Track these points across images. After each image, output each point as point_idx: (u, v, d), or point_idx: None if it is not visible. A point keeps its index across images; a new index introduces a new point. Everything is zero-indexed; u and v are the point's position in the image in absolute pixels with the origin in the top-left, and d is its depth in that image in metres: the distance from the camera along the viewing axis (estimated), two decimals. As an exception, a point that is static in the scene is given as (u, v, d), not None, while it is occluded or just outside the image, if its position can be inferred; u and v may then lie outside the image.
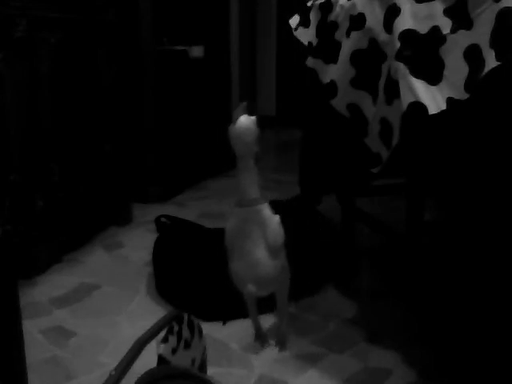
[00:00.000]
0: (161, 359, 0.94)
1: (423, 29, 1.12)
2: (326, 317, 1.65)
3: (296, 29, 1.69)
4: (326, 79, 1.51)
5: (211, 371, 1.17)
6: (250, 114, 1.32)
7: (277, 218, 1.33)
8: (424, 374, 1.36)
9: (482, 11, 1.01)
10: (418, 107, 1.09)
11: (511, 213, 1.14)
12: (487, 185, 1.17)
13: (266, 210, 1.32)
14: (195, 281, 1.72)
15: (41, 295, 1.78)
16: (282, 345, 1.49)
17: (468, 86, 1.03)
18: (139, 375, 0.89)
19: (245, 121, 1.31)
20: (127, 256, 2.10)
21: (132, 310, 1.70)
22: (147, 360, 0.93)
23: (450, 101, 1.06)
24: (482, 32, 1.01)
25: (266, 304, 1.67)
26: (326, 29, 1.51)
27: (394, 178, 1.83)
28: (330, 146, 1.74)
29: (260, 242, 1.30)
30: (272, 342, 1.51)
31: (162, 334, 0.97)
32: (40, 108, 1.91)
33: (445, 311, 1.57)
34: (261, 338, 1.51)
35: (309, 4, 1.64)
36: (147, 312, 1.67)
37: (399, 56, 1.15)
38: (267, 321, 1.61)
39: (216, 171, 3.23)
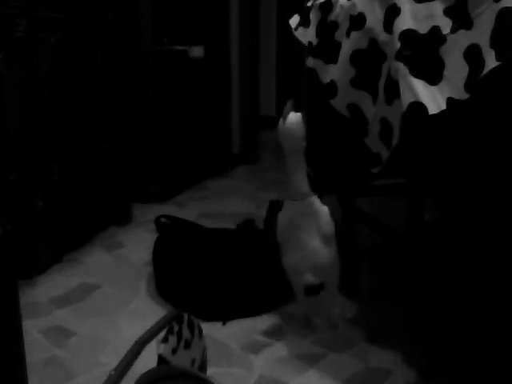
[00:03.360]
0: (161, 359, 0.94)
1: (423, 29, 1.12)
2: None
3: (296, 29, 1.69)
4: (326, 79, 1.51)
5: (211, 371, 1.17)
6: (297, 110, 1.38)
7: (326, 209, 1.41)
8: (424, 374, 1.36)
9: (482, 11, 1.01)
10: (418, 107, 1.09)
11: (511, 213, 1.14)
12: (487, 185, 1.17)
13: (317, 202, 1.40)
14: (195, 281, 1.72)
15: (41, 295, 1.78)
16: (334, 326, 1.54)
17: (468, 86, 1.03)
18: (139, 375, 0.89)
19: (294, 117, 1.40)
20: (127, 256, 2.10)
21: (132, 310, 1.70)
22: (147, 360, 0.93)
23: (449, 101, 1.06)
24: (482, 32, 1.01)
25: (264, 305, 1.68)
26: (326, 29, 1.51)
27: (394, 178, 1.83)
28: (330, 146, 1.74)
29: (315, 233, 1.38)
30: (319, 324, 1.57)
31: (162, 334, 0.97)
32: (40, 108, 1.91)
33: (445, 311, 1.57)
34: (309, 323, 1.56)
35: (309, 4, 1.64)
36: (147, 312, 1.67)
37: (399, 56, 1.14)
38: (265, 321, 1.61)
39: (216, 171, 3.23)
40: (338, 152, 1.74)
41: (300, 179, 1.42)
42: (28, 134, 1.87)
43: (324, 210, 1.41)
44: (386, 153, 1.28)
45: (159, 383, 0.89)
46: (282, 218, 1.45)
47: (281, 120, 1.40)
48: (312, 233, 1.39)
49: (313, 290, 1.50)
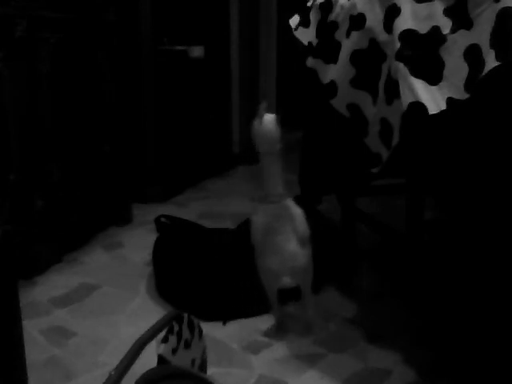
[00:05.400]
0: (161, 359, 0.94)
1: (423, 29, 1.12)
2: (326, 317, 1.65)
3: (296, 29, 1.69)
4: (326, 79, 1.51)
5: (211, 371, 1.17)
6: (271, 112, 1.40)
7: (301, 211, 1.43)
8: (424, 374, 1.36)
9: (482, 11, 1.01)
10: (417, 107, 1.09)
11: (511, 213, 1.14)
12: (487, 184, 1.17)
13: (293, 204, 1.42)
14: (195, 281, 1.72)
15: (41, 295, 1.78)
16: (309, 329, 1.53)
17: (468, 86, 1.03)
18: (139, 375, 0.89)
19: (269, 119, 1.41)
20: (127, 256, 2.10)
21: (132, 310, 1.70)
22: (147, 360, 0.93)
23: (449, 101, 1.06)
24: (482, 32, 1.01)
25: (263, 305, 1.68)
26: (326, 29, 1.51)
27: (394, 178, 1.83)
28: (330, 145, 1.74)
29: (291, 235, 1.39)
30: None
31: (162, 334, 0.97)
32: (40, 108, 1.91)
33: (445, 311, 1.57)
34: (282, 329, 1.55)
35: (309, 4, 1.64)
36: (147, 312, 1.67)
37: (399, 56, 1.15)
38: (265, 321, 1.61)
39: (216, 171, 3.23)
40: (338, 152, 1.74)
41: (275, 181, 1.43)
42: (28, 133, 1.87)
43: (299, 212, 1.43)
44: (385, 153, 1.28)
45: (159, 383, 0.89)
46: (257, 221, 1.45)
47: (256, 122, 1.41)
48: (288, 235, 1.40)
49: (289, 293, 1.52)
